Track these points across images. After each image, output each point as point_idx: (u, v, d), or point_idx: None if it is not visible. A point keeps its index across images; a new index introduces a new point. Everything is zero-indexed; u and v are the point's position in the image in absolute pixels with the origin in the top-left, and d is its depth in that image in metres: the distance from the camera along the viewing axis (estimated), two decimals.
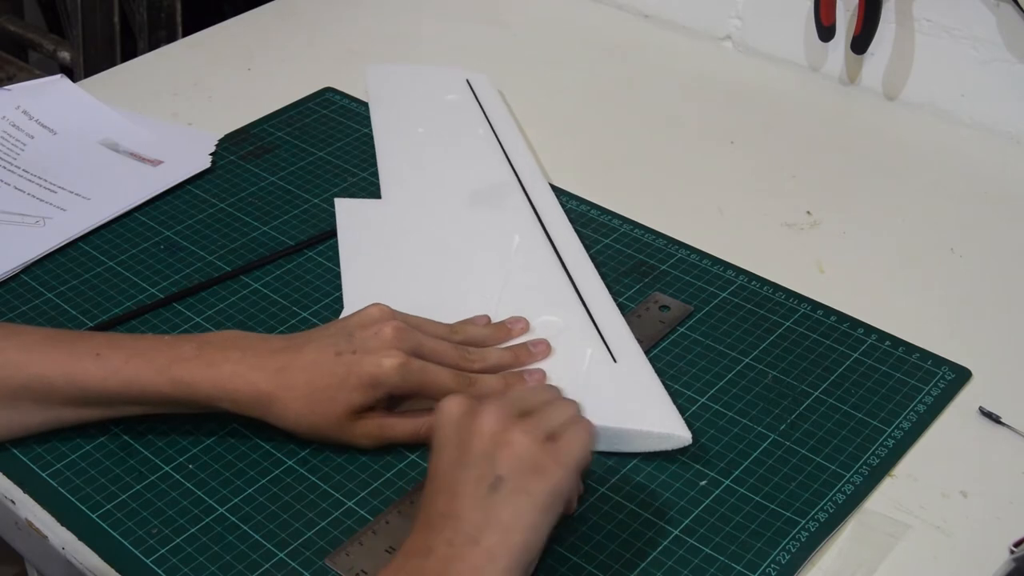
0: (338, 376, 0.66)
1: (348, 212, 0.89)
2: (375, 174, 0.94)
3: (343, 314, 0.77)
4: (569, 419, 0.63)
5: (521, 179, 0.91)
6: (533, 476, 0.58)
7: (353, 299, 0.79)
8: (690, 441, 0.69)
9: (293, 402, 0.66)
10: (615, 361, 0.73)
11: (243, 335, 0.69)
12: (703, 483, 0.68)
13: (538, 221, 0.86)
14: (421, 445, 0.69)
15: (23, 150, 0.95)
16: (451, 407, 0.62)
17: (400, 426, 0.69)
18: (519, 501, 0.58)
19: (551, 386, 0.69)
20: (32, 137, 0.97)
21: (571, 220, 0.89)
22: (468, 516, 0.57)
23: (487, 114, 1.00)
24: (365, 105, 1.03)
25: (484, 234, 0.84)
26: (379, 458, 0.69)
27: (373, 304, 0.70)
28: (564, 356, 0.74)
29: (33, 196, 0.90)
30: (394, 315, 0.70)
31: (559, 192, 0.92)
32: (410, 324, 0.70)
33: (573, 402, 0.65)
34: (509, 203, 0.88)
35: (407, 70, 1.07)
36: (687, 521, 0.66)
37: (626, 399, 0.71)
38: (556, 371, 0.73)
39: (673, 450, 0.69)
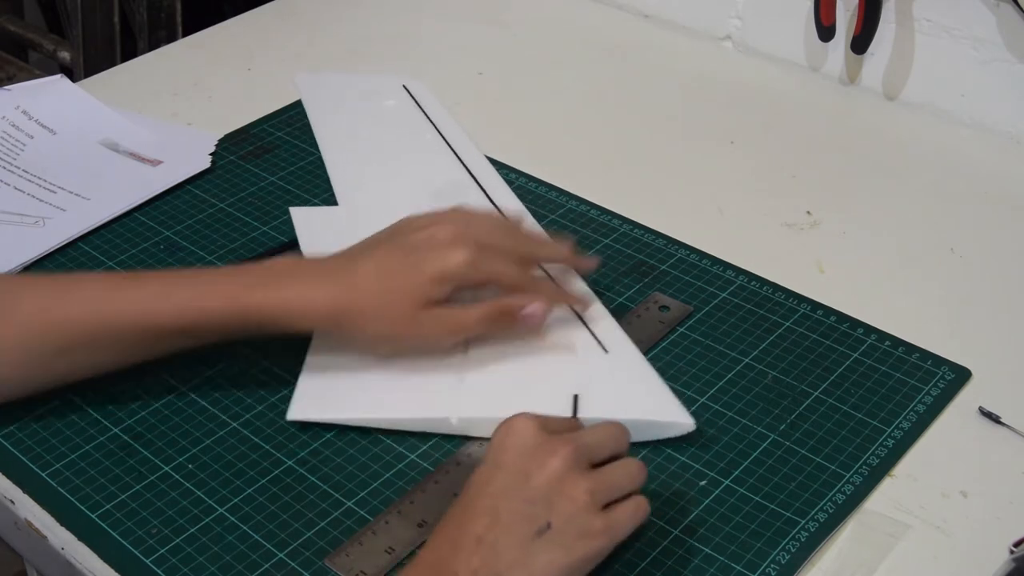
0: (406, 275, 0.69)
1: (306, 220, 0.87)
2: None
3: None
4: (631, 487, 0.61)
5: (476, 177, 0.91)
6: (580, 538, 0.58)
7: None
8: (694, 427, 0.69)
9: (366, 307, 0.68)
10: (606, 352, 0.73)
11: (303, 259, 0.72)
12: (703, 483, 0.68)
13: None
14: (420, 445, 0.70)
15: (23, 150, 0.95)
16: (523, 430, 0.60)
17: (472, 313, 0.70)
18: (557, 555, 0.57)
19: (622, 430, 0.65)
20: (32, 137, 0.97)
21: (571, 220, 0.89)
22: (504, 552, 0.56)
23: (430, 117, 1.00)
24: None
25: None
26: (379, 458, 0.69)
27: (419, 215, 0.72)
28: (554, 350, 0.74)
29: (33, 196, 0.90)
30: (445, 215, 0.72)
31: (558, 192, 0.92)
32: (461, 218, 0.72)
33: (640, 464, 0.63)
34: (469, 200, 0.88)
35: (340, 78, 1.07)
36: (687, 521, 0.66)
37: (624, 390, 0.71)
38: (548, 366, 0.73)
39: (676, 438, 0.70)
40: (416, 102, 1.02)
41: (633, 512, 0.61)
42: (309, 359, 0.74)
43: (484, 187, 0.90)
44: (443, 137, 0.97)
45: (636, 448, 0.69)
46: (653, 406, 0.70)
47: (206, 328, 0.69)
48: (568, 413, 0.68)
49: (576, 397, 0.70)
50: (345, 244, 0.74)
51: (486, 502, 0.58)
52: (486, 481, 0.59)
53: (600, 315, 0.77)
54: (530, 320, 0.72)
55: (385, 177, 0.93)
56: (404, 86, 1.05)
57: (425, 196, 0.90)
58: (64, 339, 0.68)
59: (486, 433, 0.69)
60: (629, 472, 0.62)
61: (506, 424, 0.61)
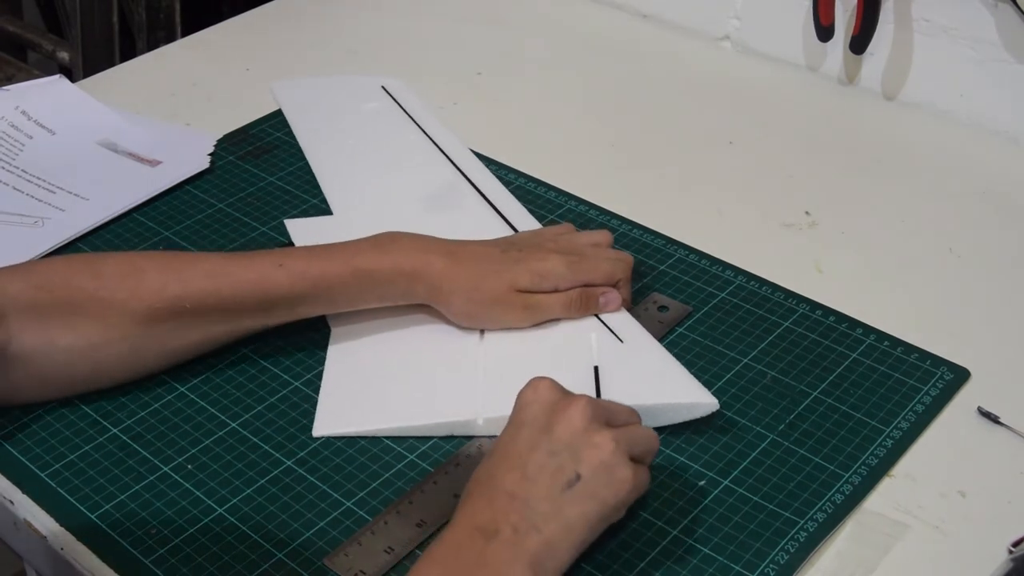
0: (505, 263, 0.75)
1: (302, 231, 0.86)
2: None
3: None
4: (650, 448, 0.64)
5: (467, 175, 0.91)
6: (609, 486, 0.60)
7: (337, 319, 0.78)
8: (717, 406, 0.70)
9: (465, 281, 0.74)
10: (621, 342, 0.74)
11: (405, 232, 0.76)
12: (702, 483, 0.68)
13: (501, 218, 0.86)
14: (419, 446, 0.70)
15: (22, 150, 0.95)
16: (543, 389, 0.63)
17: (555, 300, 0.75)
18: (588, 505, 0.59)
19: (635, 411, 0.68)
20: (31, 137, 0.97)
21: (570, 220, 0.89)
22: (537, 505, 0.58)
23: (412, 117, 1.00)
24: None
25: (449, 236, 0.81)
26: (378, 458, 0.69)
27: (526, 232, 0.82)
28: (570, 345, 0.74)
29: (32, 196, 0.90)
30: (547, 230, 0.82)
31: (558, 192, 0.92)
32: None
33: (654, 432, 0.66)
34: (467, 205, 0.89)
35: (317, 82, 1.07)
36: (685, 521, 0.66)
37: (644, 376, 0.72)
38: (566, 359, 0.73)
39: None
40: (397, 102, 1.02)
41: (648, 476, 0.64)
42: (327, 374, 0.75)
43: (477, 186, 0.90)
44: (429, 137, 0.97)
45: None
46: (674, 389, 0.71)
47: (320, 294, 0.73)
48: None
49: (597, 369, 0.72)
50: None
51: (516, 460, 0.60)
52: (511, 439, 0.62)
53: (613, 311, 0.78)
54: (607, 307, 0.76)
55: (376, 183, 0.93)
56: (383, 86, 1.04)
57: (420, 201, 0.90)
58: (182, 313, 0.70)
59: None
60: (647, 433, 0.65)
61: (527, 387, 0.63)
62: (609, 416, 0.63)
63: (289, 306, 0.73)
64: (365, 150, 0.97)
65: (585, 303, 0.76)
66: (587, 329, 0.76)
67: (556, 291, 0.75)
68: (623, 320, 0.76)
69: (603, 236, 0.80)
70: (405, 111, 1.01)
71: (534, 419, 0.62)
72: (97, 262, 0.72)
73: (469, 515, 0.59)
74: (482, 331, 0.76)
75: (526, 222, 0.87)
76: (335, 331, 0.77)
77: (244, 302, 0.72)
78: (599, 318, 0.76)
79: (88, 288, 0.69)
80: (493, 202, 0.88)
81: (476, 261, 0.75)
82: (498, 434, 0.69)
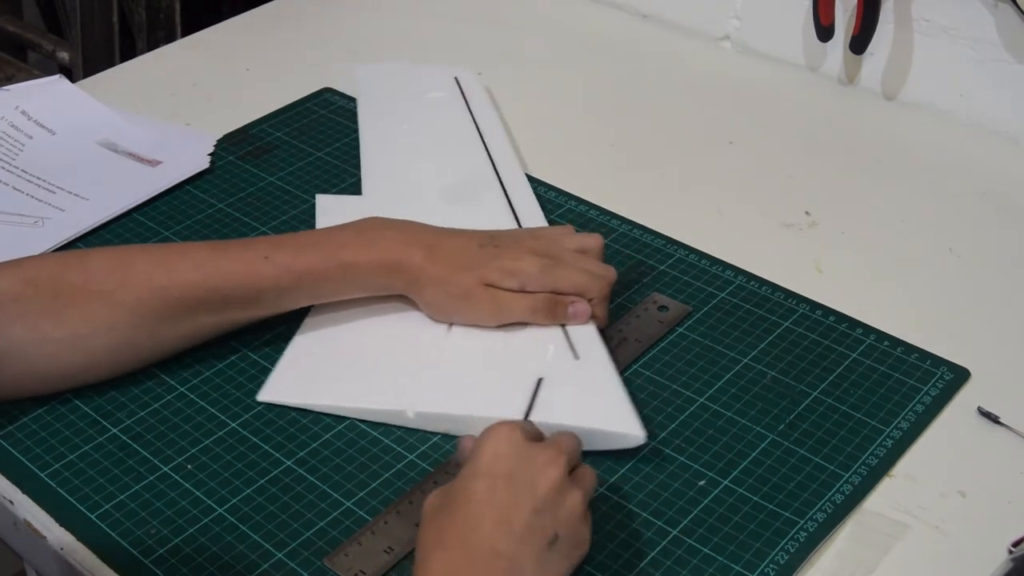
0: (479, 259, 0.74)
1: (327, 207, 0.89)
2: None
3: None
4: (593, 492, 0.63)
5: (500, 175, 0.91)
6: (577, 547, 0.60)
7: None
8: (644, 440, 0.68)
9: (438, 275, 0.74)
10: (577, 358, 0.73)
11: (387, 219, 0.76)
12: (702, 483, 0.68)
13: (514, 217, 0.86)
14: (419, 446, 0.70)
15: (22, 150, 0.95)
16: (512, 438, 0.60)
17: (520, 301, 0.74)
18: (563, 565, 0.59)
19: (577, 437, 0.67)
20: (31, 137, 0.97)
21: (570, 221, 0.89)
22: (525, 565, 0.56)
23: (472, 111, 1.00)
24: None
25: (459, 226, 0.81)
26: (378, 458, 0.69)
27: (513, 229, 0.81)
28: (525, 353, 0.74)
29: (32, 196, 0.90)
30: (533, 230, 0.80)
31: (558, 192, 0.92)
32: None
33: (594, 473, 0.64)
34: (486, 198, 0.89)
35: (398, 68, 1.07)
36: (685, 521, 0.66)
37: (582, 397, 0.70)
38: (514, 367, 0.73)
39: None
40: (463, 95, 1.02)
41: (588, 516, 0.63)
42: (291, 347, 0.76)
43: (504, 183, 0.90)
44: (479, 133, 0.97)
45: (635, 454, 0.69)
46: (605, 416, 0.69)
47: (305, 288, 0.73)
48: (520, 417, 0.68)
49: (540, 381, 0.71)
50: None
51: (496, 514, 0.57)
52: (490, 490, 0.58)
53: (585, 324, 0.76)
54: (574, 318, 0.75)
55: (411, 170, 0.93)
56: (456, 78, 1.05)
57: (443, 189, 0.90)
58: (170, 304, 0.71)
59: (440, 429, 0.70)
60: (592, 475, 0.64)
61: (492, 433, 0.61)
62: (573, 462, 0.62)
63: (275, 298, 0.74)
64: (414, 137, 0.97)
65: (551, 309, 0.74)
66: (548, 340, 0.74)
67: (524, 291, 0.74)
68: (588, 337, 0.75)
69: (594, 241, 0.78)
70: (468, 105, 1.01)
71: (512, 473, 0.59)
72: (86, 256, 0.73)
73: (445, 571, 0.56)
74: (450, 326, 0.76)
75: (535, 223, 0.86)
76: (314, 309, 0.78)
77: (231, 294, 0.72)
78: (564, 330, 0.75)
79: (77, 281, 0.70)
80: (512, 200, 0.88)
81: (453, 254, 0.75)
82: (427, 429, 0.70)
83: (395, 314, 0.77)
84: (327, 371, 0.75)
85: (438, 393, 0.72)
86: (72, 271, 0.71)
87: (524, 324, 0.75)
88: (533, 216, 0.87)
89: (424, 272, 0.74)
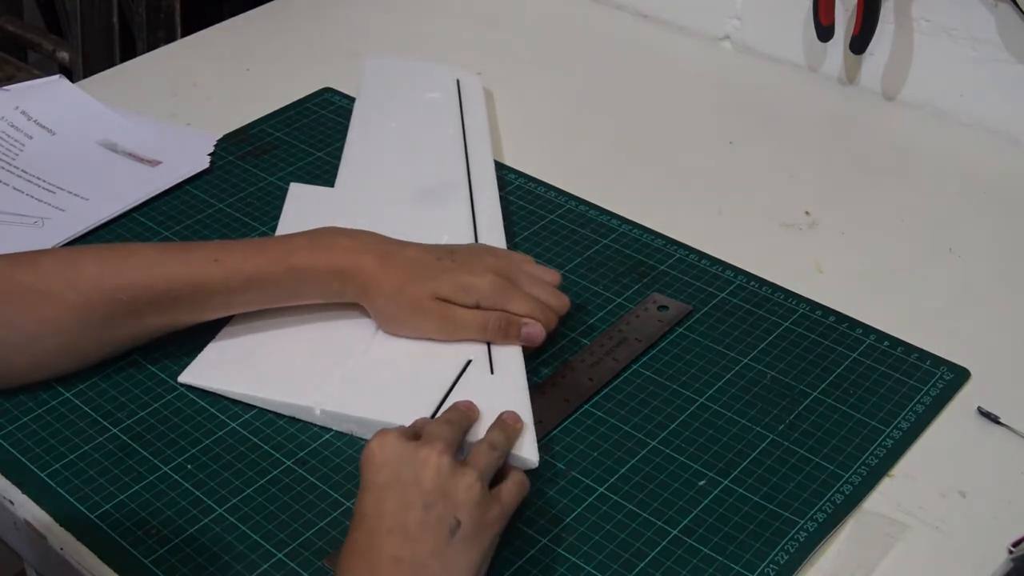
0: (433, 271, 0.73)
1: (297, 196, 0.90)
2: None
3: None
4: (498, 462, 0.64)
5: (472, 187, 0.91)
6: (485, 526, 0.59)
7: None
8: (535, 465, 0.67)
9: (389, 280, 0.73)
10: (492, 373, 0.73)
11: (345, 228, 0.75)
12: (701, 483, 0.68)
13: (472, 225, 0.86)
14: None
15: (22, 150, 0.95)
16: (390, 445, 0.61)
17: (470, 317, 0.73)
18: (473, 551, 0.58)
19: (467, 405, 0.68)
20: (31, 137, 0.97)
21: (570, 220, 0.89)
22: (427, 563, 0.57)
23: (464, 115, 1.00)
24: None
25: (416, 231, 0.80)
26: None
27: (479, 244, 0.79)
28: (442, 363, 0.73)
29: (32, 196, 0.90)
30: (491, 249, 0.79)
31: (558, 192, 0.92)
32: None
33: (491, 441, 0.65)
34: (450, 204, 0.88)
35: (404, 65, 1.07)
36: (685, 521, 0.66)
37: (487, 413, 0.69)
38: (427, 376, 0.72)
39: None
40: (459, 98, 1.02)
41: (518, 490, 0.63)
42: (222, 332, 0.76)
43: (474, 200, 0.89)
44: (464, 141, 0.97)
45: (638, 448, 0.69)
46: None
47: (254, 291, 0.73)
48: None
49: (449, 392, 0.71)
50: (321, 225, 0.75)
51: (388, 522, 0.58)
52: (378, 502, 0.59)
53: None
54: (527, 341, 0.74)
55: (388, 169, 0.93)
56: (457, 80, 1.05)
57: (412, 193, 0.90)
58: (118, 305, 0.70)
59: (345, 429, 0.71)
60: (491, 449, 0.64)
61: (370, 445, 0.61)
62: (455, 441, 0.63)
63: (224, 300, 0.73)
64: (399, 135, 0.97)
65: (504, 328, 0.73)
66: (469, 353, 0.74)
67: (478, 307, 0.73)
68: (510, 355, 0.74)
69: (552, 276, 0.77)
70: (461, 108, 1.01)
71: (395, 478, 0.59)
72: (37, 257, 0.73)
73: None
74: (377, 328, 0.76)
75: (493, 239, 0.85)
76: None
77: (179, 295, 0.71)
78: (488, 346, 0.74)
79: (26, 282, 0.70)
80: (476, 213, 0.88)
81: (407, 265, 0.73)
82: (333, 428, 0.70)
83: (330, 314, 0.77)
84: (247, 361, 0.75)
85: (346, 394, 0.72)
86: (22, 271, 0.70)
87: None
88: (494, 233, 0.85)
89: (375, 280, 0.73)
